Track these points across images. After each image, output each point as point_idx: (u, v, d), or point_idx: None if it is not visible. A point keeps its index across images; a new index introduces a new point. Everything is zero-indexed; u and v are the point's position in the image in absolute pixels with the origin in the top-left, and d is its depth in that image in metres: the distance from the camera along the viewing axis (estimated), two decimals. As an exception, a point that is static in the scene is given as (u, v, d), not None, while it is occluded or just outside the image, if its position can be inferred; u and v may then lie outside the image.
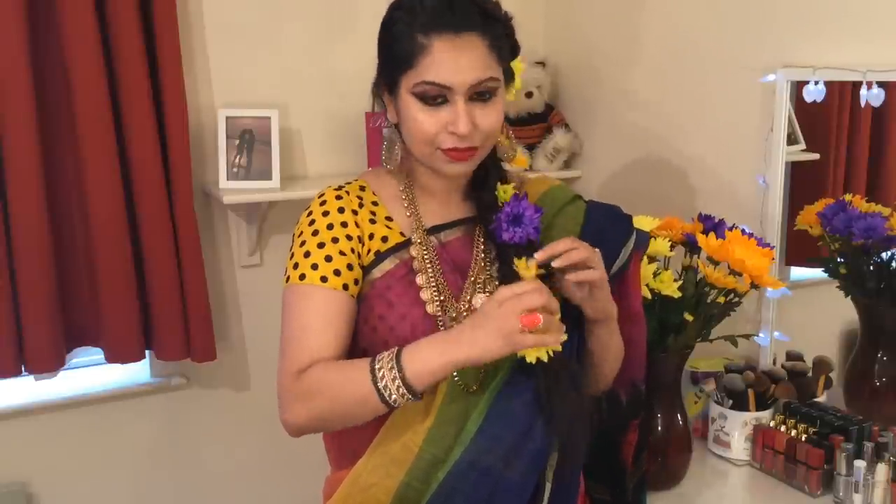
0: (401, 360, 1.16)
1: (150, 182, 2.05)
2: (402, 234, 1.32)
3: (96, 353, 2.15)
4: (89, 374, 2.25)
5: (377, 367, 1.17)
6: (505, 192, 1.32)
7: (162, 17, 2.02)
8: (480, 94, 1.22)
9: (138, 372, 2.28)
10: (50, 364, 2.03)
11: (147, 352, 2.18)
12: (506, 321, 1.12)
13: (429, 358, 1.15)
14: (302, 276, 1.26)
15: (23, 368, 2.01)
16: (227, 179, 2.17)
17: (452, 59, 1.19)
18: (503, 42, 1.24)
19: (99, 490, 2.26)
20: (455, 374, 1.26)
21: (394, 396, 1.16)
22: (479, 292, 1.30)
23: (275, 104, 2.24)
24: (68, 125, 1.99)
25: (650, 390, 1.59)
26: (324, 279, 1.26)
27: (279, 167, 2.19)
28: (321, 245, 1.27)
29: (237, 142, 2.18)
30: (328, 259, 1.26)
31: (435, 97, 1.22)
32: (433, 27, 1.19)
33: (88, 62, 1.95)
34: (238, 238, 2.33)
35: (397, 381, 1.15)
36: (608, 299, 1.28)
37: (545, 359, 1.16)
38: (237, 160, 2.18)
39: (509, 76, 1.29)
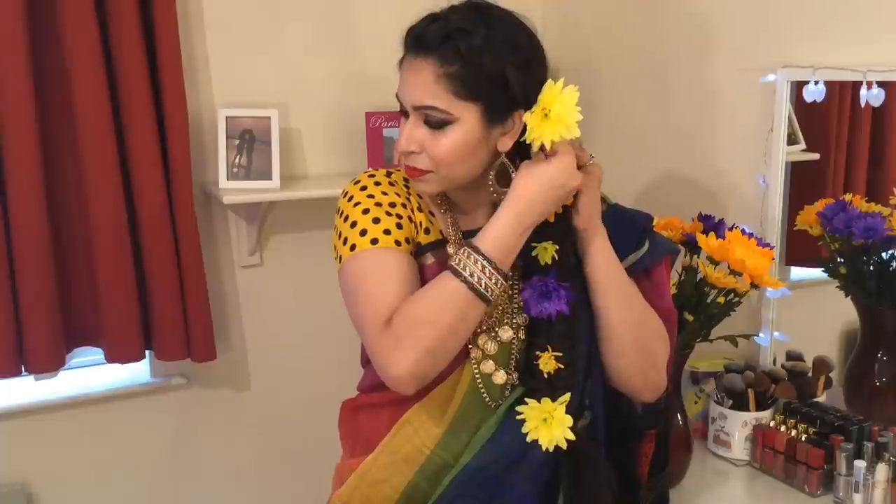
0: (480, 250, 1.19)
1: (150, 182, 2.05)
2: (440, 232, 1.33)
3: (96, 353, 2.15)
4: (89, 374, 2.25)
5: (458, 265, 1.19)
6: (546, 249, 1.27)
7: (162, 17, 2.02)
8: (429, 120, 1.22)
9: (138, 372, 2.28)
10: (50, 364, 2.03)
11: (147, 352, 2.18)
12: (569, 186, 1.22)
13: (507, 236, 1.20)
14: (374, 241, 1.24)
15: (23, 368, 2.01)
16: (227, 179, 2.17)
17: (405, 79, 1.25)
18: (468, 77, 1.19)
19: (99, 490, 2.26)
20: (483, 390, 1.29)
21: (485, 282, 1.18)
22: (505, 324, 1.31)
23: (275, 104, 2.24)
24: (68, 125, 1.99)
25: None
26: (398, 243, 1.26)
27: (279, 167, 2.19)
28: (388, 213, 1.27)
29: (237, 142, 2.18)
30: (399, 227, 1.27)
31: (405, 111, 1.26)
32: (405, 46, 1.26)
33: (88, 62, 1.95)
34: (238, 238, 2.33)
35: (487, 270, 1.18)
36: (594, 204, 1.29)
37: (563, 445, 1.22)
38: (237, 160, 2.18)
39: (495, 116, 1.23)
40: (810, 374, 1.90)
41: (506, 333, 1.30)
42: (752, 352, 2.02)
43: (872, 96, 1.76)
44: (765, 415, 1.83)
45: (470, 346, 1.29)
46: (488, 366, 1.30)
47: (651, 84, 2.30)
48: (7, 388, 2.12)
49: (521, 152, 1.27)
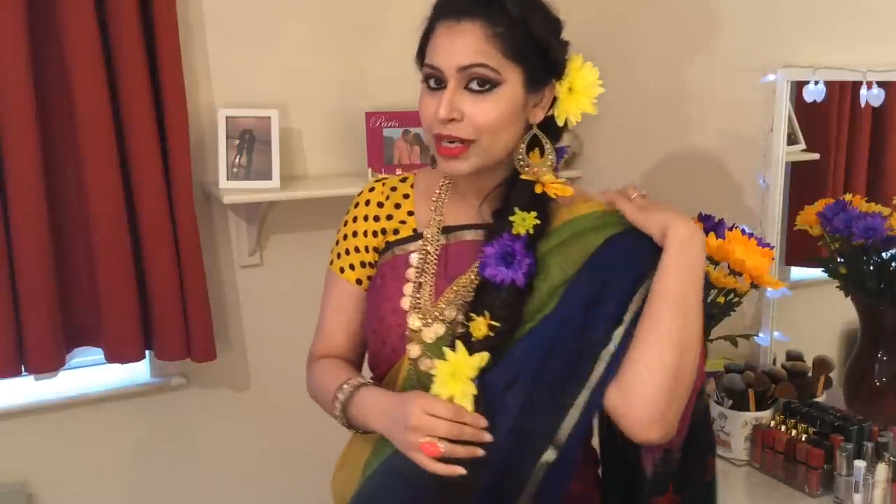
0: (351, 402, 1.26)
1: (150, 182, 2.05)
2: (415, 230, 1.34)
3: (96, 353, 2.15)
4: (89, 374, 2.25)
5: (337, 393, 1.28)
6: (524, 219, 1.23)
7: (162, 17, 2.02)
8: (474, 83, 1.18)
9: (138, 372, 2.28)
10: (50, 364, 2.03)
11: (147, 352, 2.18)
12: (407, 437, 1.16)
13: (372, 416, 1.23)
14: (331, 262, 1.40)
15: (23, 368, 2.01)
16: (227, 179, 2.17)
17: (447, 43, 1.20)
18: (516, 38, 1.19)
19: (99, 490, 2.26)
20: (418, 385, 1.27)
21: (337, 413, 1.29)
22: (453, 306, 1.26)
23: (275, 104, 2.24)
24: (68, 125, 1.99)
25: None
26: (342, 270, 1.38)
27: (279, 167, 2.19)
28: (345, 237, 1.39)
29: (237, 142, 2.18)
30: (347, 252, 1.38)
31: (437, 81, 1.21)
32: (441, 14, 1.22)
33: (88, 62, 1.95)
34: (238, 238, 2.33)
35: (340, 413, 1.28)
36: (657, 213, 1.21)
37: (468, 405, 1.15)
38: (237, 160, 2.18)
39: (534, 84, 1.22)
40: (810, 374, 1.90)
41: (451, 313, 1.26)
42: (752, 352, 2.02)
43: (872, 96, 1.77)
44: (765, 415, 1.83)
45: (409, 340, 1.27)
46: (426, 363, 1.26)
47: (651, 84, 2.30)
48: (7, 388, 2.12)
49: (545, 129, 1.27)
